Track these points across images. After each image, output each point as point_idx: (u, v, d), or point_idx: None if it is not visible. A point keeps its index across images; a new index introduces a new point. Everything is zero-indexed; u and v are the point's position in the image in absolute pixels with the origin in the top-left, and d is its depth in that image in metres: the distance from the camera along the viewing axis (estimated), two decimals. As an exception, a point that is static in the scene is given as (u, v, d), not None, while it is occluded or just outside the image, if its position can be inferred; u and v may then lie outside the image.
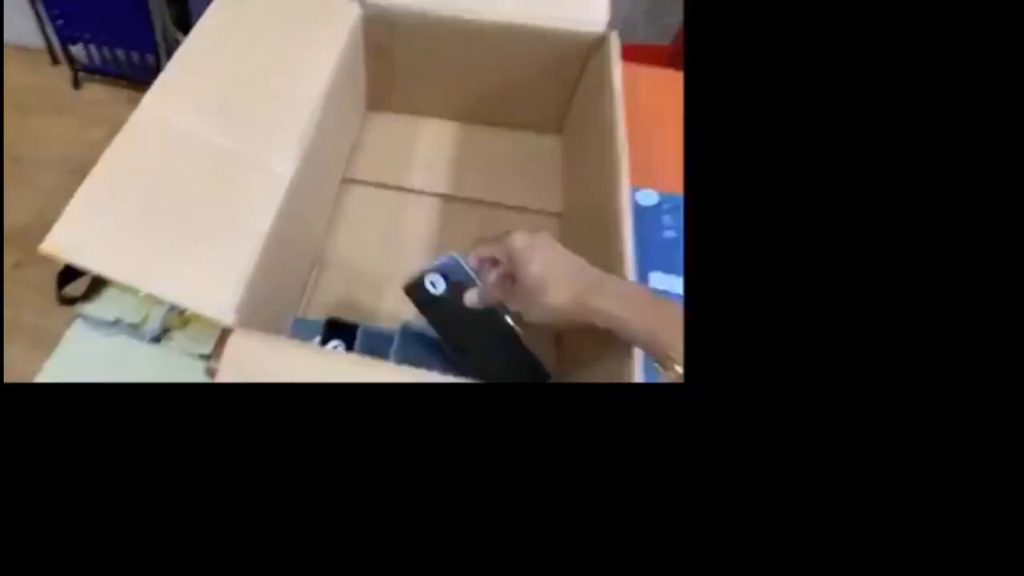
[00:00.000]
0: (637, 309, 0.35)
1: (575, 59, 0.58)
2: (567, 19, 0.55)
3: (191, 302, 0.38)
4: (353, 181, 0.65)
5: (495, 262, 0.41)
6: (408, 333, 0.49)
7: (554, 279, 0.37)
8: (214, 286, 0.39)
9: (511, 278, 0.40)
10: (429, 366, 0.36)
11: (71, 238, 0.37)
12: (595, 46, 0.56)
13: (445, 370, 0.37)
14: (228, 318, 0.38)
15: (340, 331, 0.51)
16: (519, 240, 0.39)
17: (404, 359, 0.41)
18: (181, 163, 0.43)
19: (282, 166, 0.45)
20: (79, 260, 0.36)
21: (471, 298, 0.43)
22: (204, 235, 0.40)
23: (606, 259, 0.43)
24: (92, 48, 1.38)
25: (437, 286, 0.46)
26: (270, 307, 0.47)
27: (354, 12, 0.58)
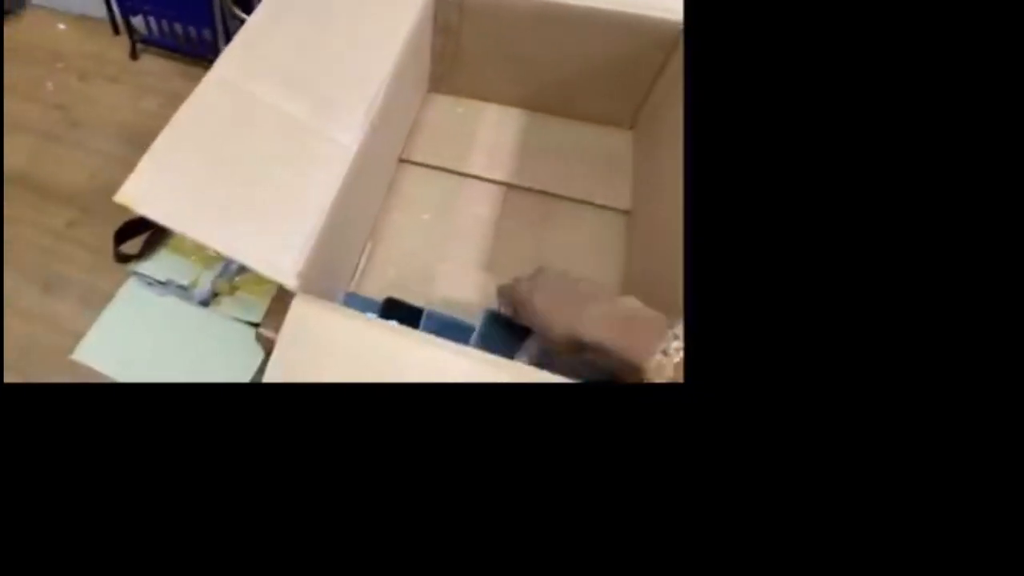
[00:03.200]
0: (611, 330, 0.35)
1: (658, 50, 0.54)
2: (653, 6, 0.52)
3: (255, 263, 0.37)
4: (410, 162, 0.63)
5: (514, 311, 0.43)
6: (493, 320, 0.47)
7: (554, 317, 0.38)
8: (278, 250, 0.38)
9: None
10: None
11: (143, 191, 0.36)
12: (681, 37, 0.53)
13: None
14: (291, 282, 0.37)
15: (400, 311, 0.49)
16: (519, 291, 0.41)
17: (486, 348, 0.40)
18: (251, 127, 0.42)
19: (348, 139, 0.44)
20: (150, 213, 0.35)
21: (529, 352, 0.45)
22: (271, 200, 0.39)
23: (674, 266, 0.42)
24: (151, 20, 1.40)
25: None
26: (327, 278, 0.45)
27: (427, -11, 0.56)
